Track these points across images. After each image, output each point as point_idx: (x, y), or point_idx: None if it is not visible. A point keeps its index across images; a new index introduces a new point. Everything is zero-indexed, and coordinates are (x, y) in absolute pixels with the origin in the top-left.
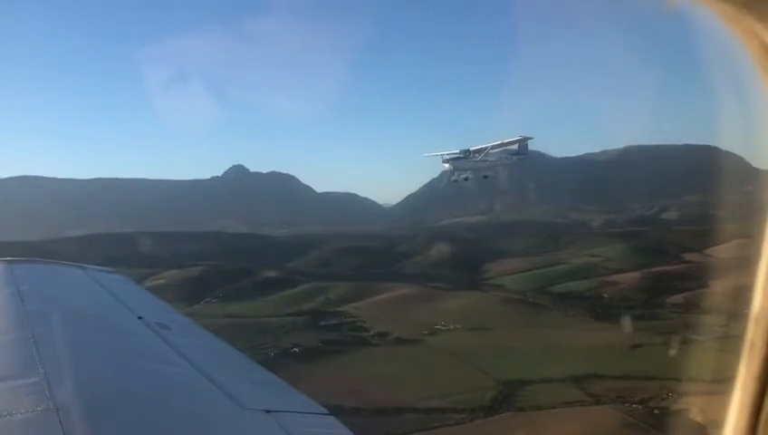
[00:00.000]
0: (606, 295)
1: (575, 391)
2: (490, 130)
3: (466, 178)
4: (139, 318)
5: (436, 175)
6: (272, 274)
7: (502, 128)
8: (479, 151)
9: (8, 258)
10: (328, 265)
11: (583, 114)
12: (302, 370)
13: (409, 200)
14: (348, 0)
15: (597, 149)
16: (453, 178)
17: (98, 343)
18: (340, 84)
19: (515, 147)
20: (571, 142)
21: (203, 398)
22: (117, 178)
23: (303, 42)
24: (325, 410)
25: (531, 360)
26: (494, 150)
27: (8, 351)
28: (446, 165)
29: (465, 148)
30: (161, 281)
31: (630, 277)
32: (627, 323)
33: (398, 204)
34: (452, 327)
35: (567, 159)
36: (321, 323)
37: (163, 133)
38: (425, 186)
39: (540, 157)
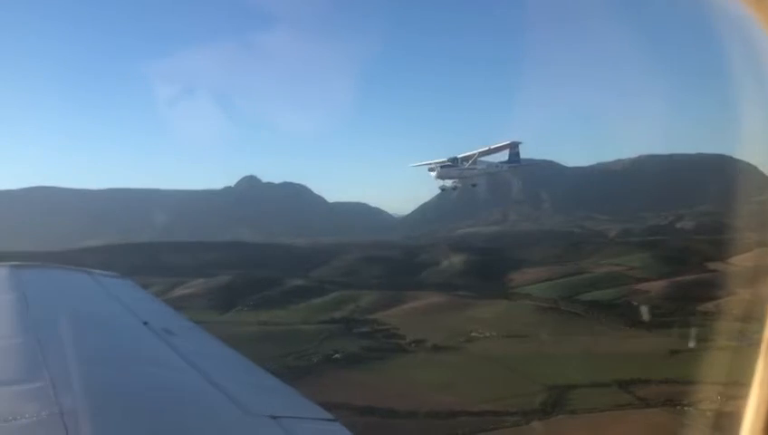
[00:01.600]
0: (635, 303)
1: (623, 395)
2: (502, 139)
3: (455, 188)
4: (145, 323)
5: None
6: (298, 282)
7: (514, 137)
8: (467, 159)
9: (14, 263)
10: (351, 275)
11: (595, 123)
12: (347, 375)
13: (421, 210)
14: (357, 13)
15: (610, 158)
16: (440, 186)
17: (103, 348)
18: (351, 95)
19: (506, 153)
20: (583, 151)
21: (208, 403)
22: (130, 189)
23: (314, 53)
24: (331, 416)
25: (572, 365)
26: (483, 158)
27: (13, 355)
28: (433, 174)
29: (452, 156)
30: (189, 290)
31: (657, 286)
32: (662, 329)
33: (409, 214)
34: (487, 335)
35: (579, 168)
36: (356, 330)
37: (175, 144)
38: (436, 196)
39: (552, 166)
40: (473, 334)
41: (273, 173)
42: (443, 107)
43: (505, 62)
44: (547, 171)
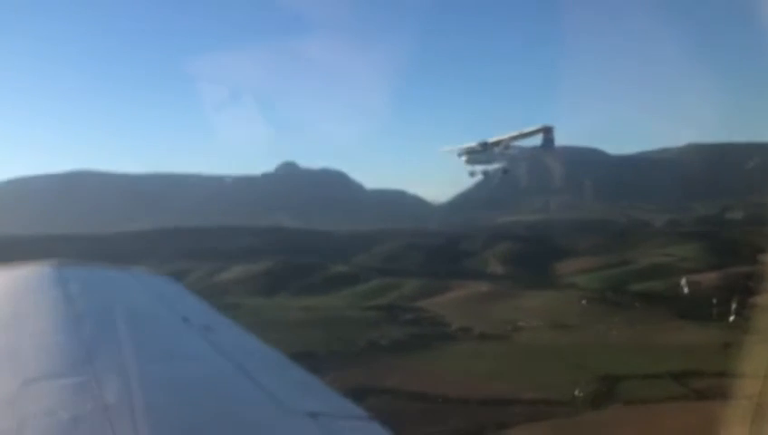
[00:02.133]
0: (686, 295)
1: (678, 387)
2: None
3: (485, 173)
4: (184, 320)
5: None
6: (340, 269)
7: (557, 126)
8: (498, 144)
9: (57, 261)
10: (392, 262)
11: (642, 111)
12: (396, 361)
13: (460, 198)
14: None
15: (655, 147)
16: (470, 171)
17: (144, 345)
18: (390, 83)
19: (539, 137)
20: (628, 140)
21: (247, 400)
22: (171, 174)
23: (354, 41)
24: (367, 415)
25: (623, 356)
26: (515, 143)
27: (58, 351)
28: (463, 158)
29: (482, 140)
30: (232, 275)
31: (708, 277)
32: (715, 322)
33: (448, 202)
34: (534, 324)
35: (624, 156)
36: (401, 317)
37: (216, 130)
38: (475, 184)
39: (595, 154)
40: (519, 324)
41: (312, 160)
42: (484, 94)
43: (552, 49)
44: (590, 159)
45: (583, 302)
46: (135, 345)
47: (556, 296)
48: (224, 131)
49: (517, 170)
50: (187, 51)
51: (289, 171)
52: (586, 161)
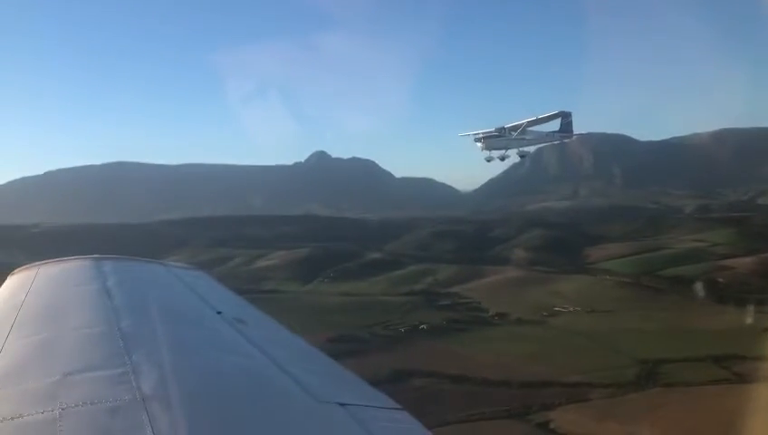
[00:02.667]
0: (722, 280)
1: (719, 371)
2: (575, 115)
3: (503, 158)
4: (218, 313)
5: (517, 160)
6: (375, 255)
7: (586, 110)
8: (515, 129)
9: (95, 256)
10: (426, 249)
11: (673, 96)
12: (436, 345)
13: (489, 185)
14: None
15: (685, 133)
16: (486, 157)
17: (180, 337)
18: (418, 73)
19: (557, 123)
20: (658, 125)
21: (279, 390)
22: (204, 164)
23: (383, 32)
24: (398, 405)
25: (662, 340)
26: (532, 128)
27: (97, 343)
28: (479, 144)
29: (499, 126)
30: (271, 262)
31: (743, 263)
32: (752, 307)
33: (478, 189)
34: (571, 309)
35: (653, 142)
36: (437, 303)
37: (249, 122)
38: (504, 171)
39: (624, 140)
40: (555, 309)
41: (342, 149)
42: (511, 81)
43: (582, 35)
44: (619, 146)
45: (618, 287)
46: (171, 337)
47: (591, 282)
48: (256, 124)
49: (546, 158)
50: (221, 48)
51: (320, 161)
52: (615, 148)
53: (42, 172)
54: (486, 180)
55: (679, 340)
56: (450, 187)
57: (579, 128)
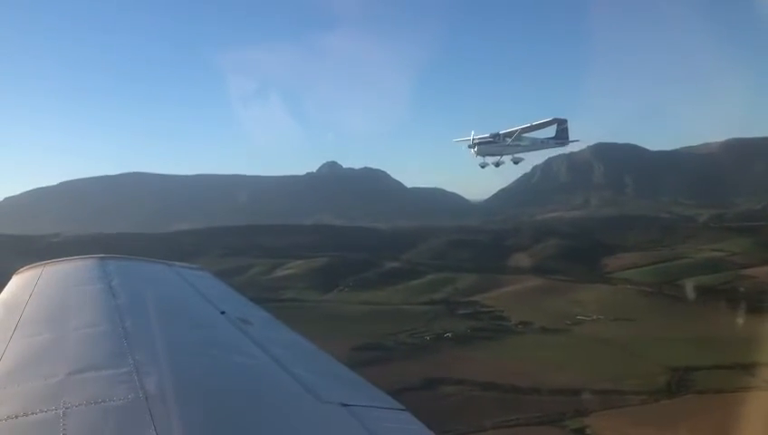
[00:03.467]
0: (742, 289)
1: (749, 378)
2: (583, 123)
3: (497, 164)
4: (222, 313)
5: (527, 170)
6: (393, 264)
7: (595, 121)
8: (509, 135)
9: (99, 255)
10: (442, 258)
11: (683, 106)
12: (462, 353)
13: (500, 195)
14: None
15: (695, 142)
16: (480, 163)
17: (183, 337)
18: (429, 83)
19: (552, 130)
20: (668, 135)
21: (282, 390)
22: (216, 175)
23: (393, 45)
24: (401, 406)
25: (689, 348)
26: (527, 134)
27: (101, 342)
28: (473, 150)
29: (494, 132)
30: (289, 271)
31: (763, 271)
32: None
33: (488, 199)
34: (594, 318)
35: (663, 152)
36: (459, 311)
37: (260, 131)
38: (515, 181)
39: (634, 150)
40: (578, 317)
41: (353, 159)
42: (521, 93)
43: (593, 45)
44: (630, 155)
45: (639, 296)
46: (174, 337)
47: (611, 291)
48: (269, 134)
49: (556, 167)
50: (232, 61)
51: (331, 171)
52: (626, 157)
53: (56, 182)
54: (496, 190)
55: (706, 348)
56: (460, 196)
57: (590, 137)
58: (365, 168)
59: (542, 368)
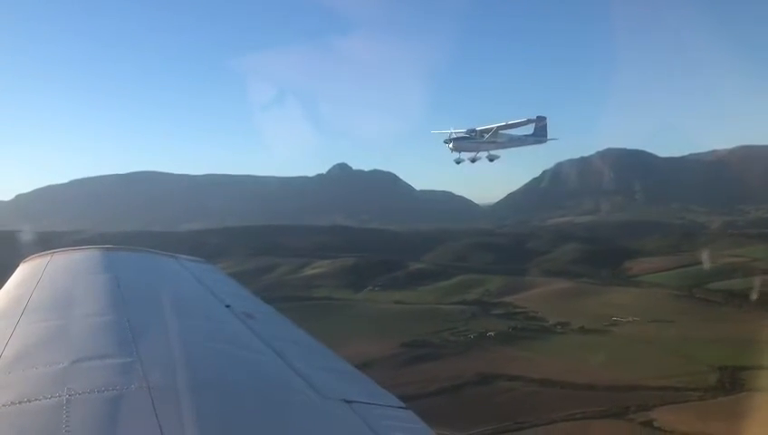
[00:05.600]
0: None
1: None
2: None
3: (473, 160)
4: (227, 306)
5: (537, 174)
6: (419, 265)
7: (605, 127)
8: (486, 132)
9: (107, 246)
10: (464, 260)
11: (690, 114)
12: (509, 351)
13: (509, 199)
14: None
15: (704, 149)
16: (456, 159)
17: (188, 329)
18: (438, 86)
19: (530, 128)
20: (676, 142)
21: (284, 385)
22: (227, 175)
23: (404, 46)
24: (402, 404)
25: (733, 348)
26: (504, 131)
27: (106, 332)
28: (450, 145)
29: (471, 127)
30: (317, 270)
31: None
32: None
33: (497, 202)
34: (630, 319)
35: (672, 158)
36: (493, 312)
37: (271, 133)
38: (523, 186)
39: (643, 156)
40: (614, 319)
41: (364, 161)
42: (529, 104)
43: (602, 52)
44: (639, 161)
45: (671, 299)
46: (179, 329)
47: (641, 293)
48: (278, 135)
49: (566, 173)
50: (243, 60)
51: (341, 173)
52: (635, 163)
53: (67, 181)
54: (504, 195)
55: (748, 349)
56: (468, 200)
57: (602, 143)
58: (375, 170)
59: (591, 366)
